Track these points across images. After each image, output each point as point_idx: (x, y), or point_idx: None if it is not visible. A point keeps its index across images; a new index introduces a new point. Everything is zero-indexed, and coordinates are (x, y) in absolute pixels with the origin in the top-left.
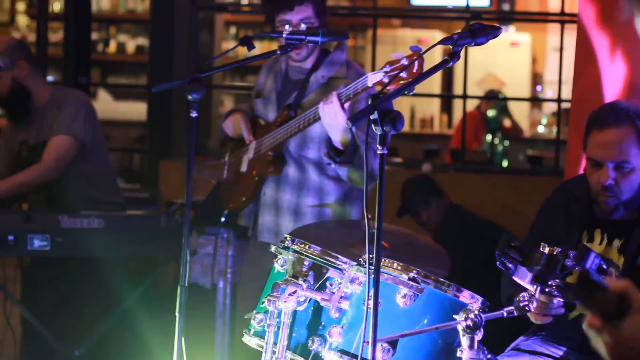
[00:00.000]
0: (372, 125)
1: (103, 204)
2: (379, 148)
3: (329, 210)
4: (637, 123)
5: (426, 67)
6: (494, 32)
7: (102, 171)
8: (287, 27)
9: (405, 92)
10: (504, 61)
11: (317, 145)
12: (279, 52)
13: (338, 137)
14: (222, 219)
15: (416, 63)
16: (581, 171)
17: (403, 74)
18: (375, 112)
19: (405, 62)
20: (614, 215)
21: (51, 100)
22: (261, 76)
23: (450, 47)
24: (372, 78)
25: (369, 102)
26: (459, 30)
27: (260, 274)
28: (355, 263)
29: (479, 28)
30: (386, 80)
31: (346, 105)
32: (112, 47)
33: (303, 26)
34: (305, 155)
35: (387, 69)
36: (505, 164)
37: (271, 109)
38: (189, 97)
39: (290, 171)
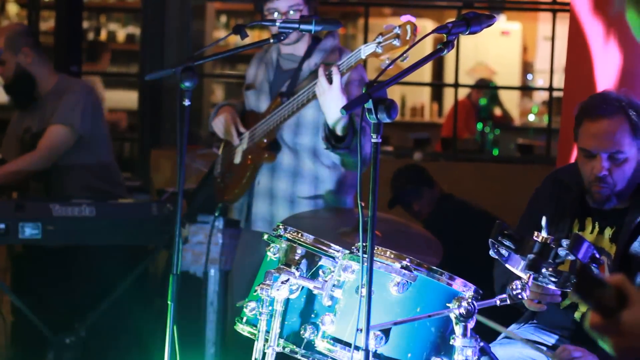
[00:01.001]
0: (366, 114)
1: (105, 195)
2: (374, 136)
3: (323, 199)
4: (629, 112)
5: (417, 57)
6: (488, 21)
7: (103, 162)
8: (275, 14)
9: (400, 60)
10: (494, 50)
11: (311, 131)
12: (271, 40)
13: (333, 114)
14: (216, 213)
15: (409, 30)
16: (573, 160)
17: (396, 43)
18: (370, 100)
19: (397, 31)
20: (607, 205)
21: (55, 88)
22: (251, 68)
23: (444, 35)
24: (365, 50)
25: (363, 90)
26: (453, 19)
27: (253, 262)
28: (348, 251)
29: (473, 17)
30: (379, 51)
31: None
32: (103, 35)
33: (292, 13)
34: (300, 142)
35: (380, 39)
36: (495, 152)
37: (264, 100)
38: (182, 86)
39: (284, 159)
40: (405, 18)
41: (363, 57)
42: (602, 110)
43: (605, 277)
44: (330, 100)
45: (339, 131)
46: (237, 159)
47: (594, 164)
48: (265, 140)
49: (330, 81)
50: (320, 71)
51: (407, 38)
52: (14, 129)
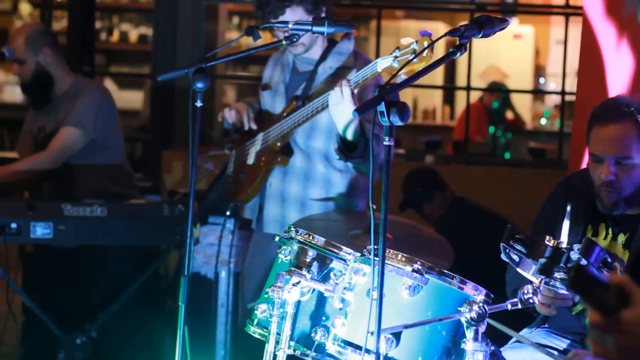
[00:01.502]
0: (379, 116)
1: (118, 196)
2: (386, 139)
3: (335, 203)
4: (638, 118)
5: (433, 57)
6: (501, 25)
7: (116, 164)
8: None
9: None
10: (507, 53)
11: (325, 135)
12: (285, 42)
13: (345, 130)
14: (228, 212)
15: (425, 46)
16: (585, 164)
17: (414, 60)
18: (382, 103)
19: (415, 46)
20: (616, 210)
21: (71, 89)
22: (267, 69)
23: (457, 38)
24: (382, 64)
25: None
26: (466, 22)
27: (264, 264)
28: (359, 254)
29: (486, 20)
30: (396, 65)
31: (355, 91)
32: (116, 36)
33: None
34: (313, 145)
35: (397, 53)
36: (507, 156)
37: (279, 101)
38: (195, 87)
39: (296, 162)
40: (424, 32)
41: (379, 70)
42: (611, 115)
43: (606, 277)
44: (341, 111)
45: (350, 137)
46: (250, 160)
47: (602, 169)
48: (278, 144)
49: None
50: (340, 83)
51: (424, 55)
52: (29, 128)
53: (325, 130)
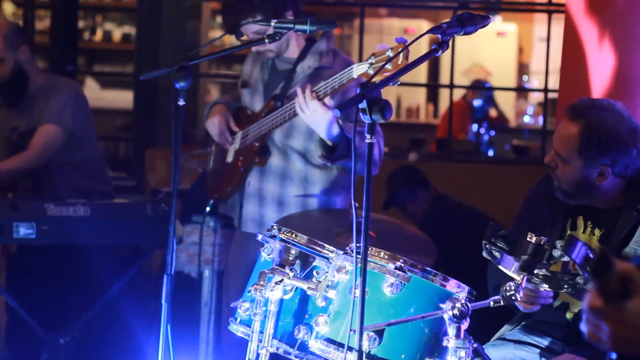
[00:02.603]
0: (361, 114)
1: (92, 192)
2: (368, 137)
3: (313, 200)
4: (585, 129)
5: (413, 57)
6: (483, 22)
7: (91, 160)
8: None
9: (390, 84)
10: (490, 51)
11: (303, 134)
12: (267, 41)
13: (324, 131)
14: (207, 209)
15: (401, 55)
16: None
17: (388, 66)
18: (364, 100)
19: (390, 53)
20: (563, 198)
21: (43, 87)
22: (247, 65)
23: (439, 36)
24: (357, 69)
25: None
26: (448, 20)
27: (244, 263)
28: (342, 252)
29: (468, 17)
30: (371, 72)
31: (328, 98)
32: (99, 35)
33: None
34: (290, 144)
35: (372, 60)
36: (491, 153)
37: (258, 100)
38: (177, 86)
39: (274, 161)
40: (399, 40)
41: (355, 76)
42: (570, 111)
43: (616, 263)
44: (313, 121)
45: (332, 139)
46: (229, 158)
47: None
48: (256, 144)
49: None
50: (298, 92)
51: (399, 63)
52: (0, 128)
53: (304, 130)
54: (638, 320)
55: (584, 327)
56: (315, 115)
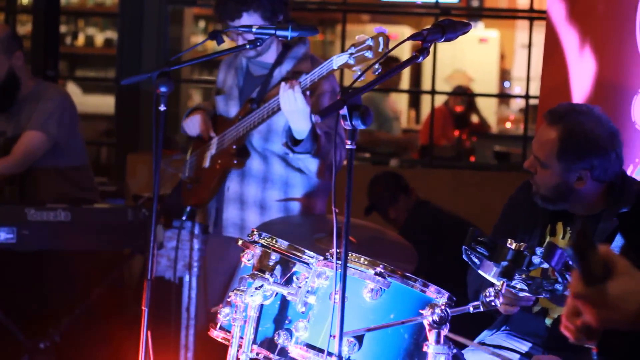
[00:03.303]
0: (341, 120)
1: (77, 200)
2: (348, 143)
3: (294, 204)
4: (563, 134)
5: (395, 64)
6: (464, 29)
7: (77, 167)
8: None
9: (372, 72)
10: (472, 57)
11: (282, 138)
12: (248, 46)
13: (300, 126)
14: (184, 217)
15: (381, 42)
16: None
17: (369, 54)
18: (345, 107)
19: (369, 42)
20: (542, 203)
21: (32, 93)
22: (221, 73)
23: (420, 42)
24: (337, 61)
25: (338, 97)
26: (429, 26)
27: (225, 268)
28: (322, 257)
29: (448, 24)
30: (352, 62)
31: (307, 92)
32: (81, 40)
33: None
34: (270, 148)
35: (352, 50)
36: (472, 159)
37: (233, 105)
38: (158, 91)
39: (254, 165)
40: (378, 29)
41: (335, 67)
42: (549, 116)
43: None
44: (294, 113)
45: (302, 135)
46: (206, 164)
47: None
48: (234, 147)
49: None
50: (282, 86)
51: (380, 50)
52: None
53: (281, 133)
54: (618, 301)
55: (564, 329)
56: (295, 106)
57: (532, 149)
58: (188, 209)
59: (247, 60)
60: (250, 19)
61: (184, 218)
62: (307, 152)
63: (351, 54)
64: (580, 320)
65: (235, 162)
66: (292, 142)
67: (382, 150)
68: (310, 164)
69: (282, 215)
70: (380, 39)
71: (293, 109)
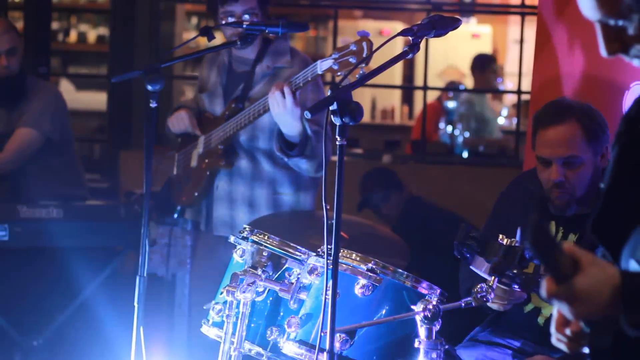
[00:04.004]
0: (331, 117)
1: (68, 197)
2: (338, 139)
3: (283, 201)
4: (581, 118)
5: (386, 59)
6: (454, 24)
7: (68, 165)
8: (229, 18)
9: (356, 75)
10: (465, 53)
11: (268, 135)
12: (238, 43)
13: (290, 129)
14: (175, 215)
15: (365, 47)
16: None
17: (352, 59)
18: (335, 103)
19: (353, 47)
20: (568, 211)
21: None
22: (203, 70)
23: (410, 38)
24: (322, 65)
25: (329, 93)
26: (419, 22)
27: (216, 266)
28: (314, 254)
29: (438, 20)
30: (336, 67)
31: (296, 94)
32: (73, 36)
33: (246, 17)
34: (257, 146)
35: (336, 55)
36: (465, 155)
37: (218, 103)
38: (149, 88)
39: (242, 163)
40: (362, 33)
41: (320, 72)
42: (554, 117)
43: (560, 242)
44: (284, 116)
45: (294, 137)
46: (193, 163)
47: (551, 171)
48: (220, 147)
49: (283, 96)
50: (272, 90)
51: (364, 55)
52: None
53: (267, 131)
54: (591, 292)
55: (556, 342)
56: (285, 109)
57: (558, 155)
58: (178, 208)
59: (229, 57)
60: (246, 3)
61: (175, 216)
62: (301, 155)
63: (335, 59)
64: (570, 329)
65: (222, 163)
66: (285, 145)
67: (486, 151)
68: (302, 163)
69: (271, 212)
70: (364, 44)
71: (283, 112)
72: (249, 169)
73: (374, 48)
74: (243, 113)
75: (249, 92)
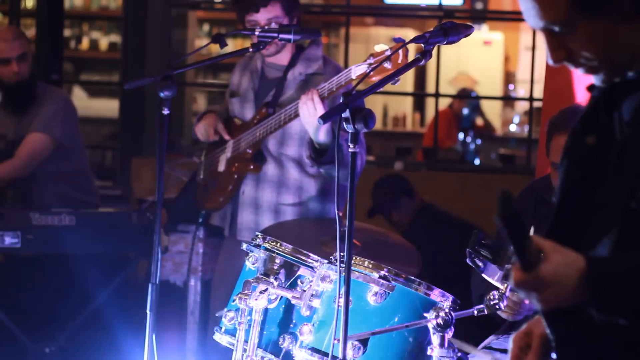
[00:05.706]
0: (344, 124)
1: (78, 203)
2: (351, 146)
3: (309, 209)
4: None
5: (397, 67)
6: (466, 31)
7: (79, 170)
8: (257, 28)
9: (392, 83)
10: (476, 60)
11: (297, 142)
12: (251, 49)
13: (320, 136)
14: (200, 220)
15: (400, 53)
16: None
17: (387, 65)
18: (347, 110)
19: (389, 52)
20: None
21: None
22: (235, 75)
23: (422, 45)
24: (356, 70)
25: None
26: (431, 29)
27: (234, 272)
28: (326, 261)
29: (451, 27)
30: (371, 72)
31: (326, 100)
32: (85, 43)
33: (273, 25)
34: (285, 152)
35: (371, 60)
36: (477, 162)
37: (248, 108)
38: (161, 95)
39: (269, 169)
40: (398, 39)
41: (353, 77)
42: (570, 122)
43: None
44: (312, 124)
45: (323, 143)
46: (221, 167)
47: None
48: (249, 151)
49: (313, 102)
50: (303, 97)
51: (399, 61)
52: None
53: (297, 137)
54: (557, 277)
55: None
56: (315, 116)
57: None
58: (203, 212)
59: (262, 63)
60: (270, 12)
61: (200, 221)
62: (331, 162)
63: (370, 64)
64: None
65: (251, 167)
66: (316, 154)
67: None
68: (335, 171)
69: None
70: (400, 50)
71: (313, 120)
72: (276, 175)
73: (408, 54)
74: (273, 117)
75: (280, 97)
